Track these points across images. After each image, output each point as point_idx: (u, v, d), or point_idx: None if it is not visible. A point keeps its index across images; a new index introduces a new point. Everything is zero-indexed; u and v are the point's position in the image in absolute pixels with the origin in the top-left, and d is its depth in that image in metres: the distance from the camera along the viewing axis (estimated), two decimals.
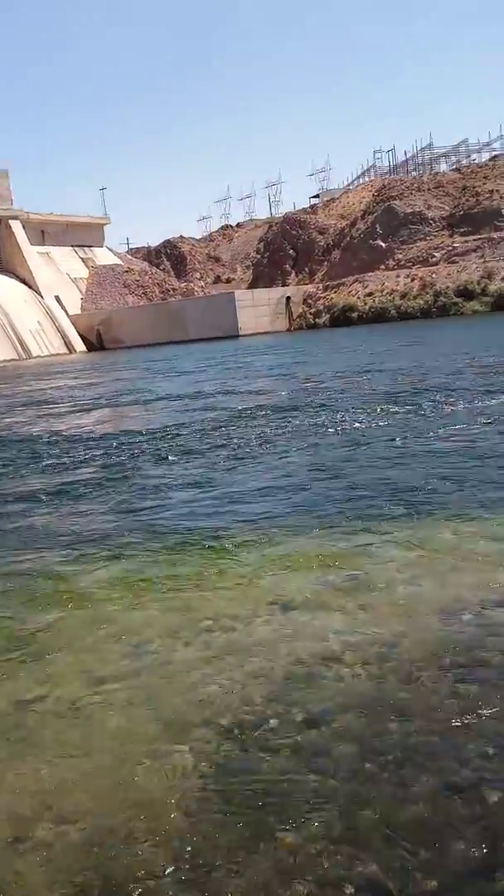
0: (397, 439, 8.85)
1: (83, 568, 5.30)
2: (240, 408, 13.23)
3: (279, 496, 6.81)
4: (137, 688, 3.51)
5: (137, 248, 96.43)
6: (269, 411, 12.38)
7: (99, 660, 3.82)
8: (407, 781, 2.67)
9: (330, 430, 9.99)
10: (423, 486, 6.58)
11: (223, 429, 11.08)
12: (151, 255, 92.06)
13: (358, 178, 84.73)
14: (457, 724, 2.98)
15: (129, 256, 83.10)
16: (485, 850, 2.32)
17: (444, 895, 2.18)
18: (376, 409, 11.21)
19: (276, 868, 2.31)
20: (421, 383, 14.00)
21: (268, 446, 9.30)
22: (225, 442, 9.92)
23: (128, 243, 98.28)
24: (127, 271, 72.54)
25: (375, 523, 5.61)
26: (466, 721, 2.99)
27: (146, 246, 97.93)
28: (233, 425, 11.33)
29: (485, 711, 3.04)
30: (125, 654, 3.87)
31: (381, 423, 10.03)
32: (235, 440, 9.97)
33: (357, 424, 10.14)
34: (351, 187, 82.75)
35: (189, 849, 2.42)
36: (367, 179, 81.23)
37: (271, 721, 3.13)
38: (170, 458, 9.20)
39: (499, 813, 2.48)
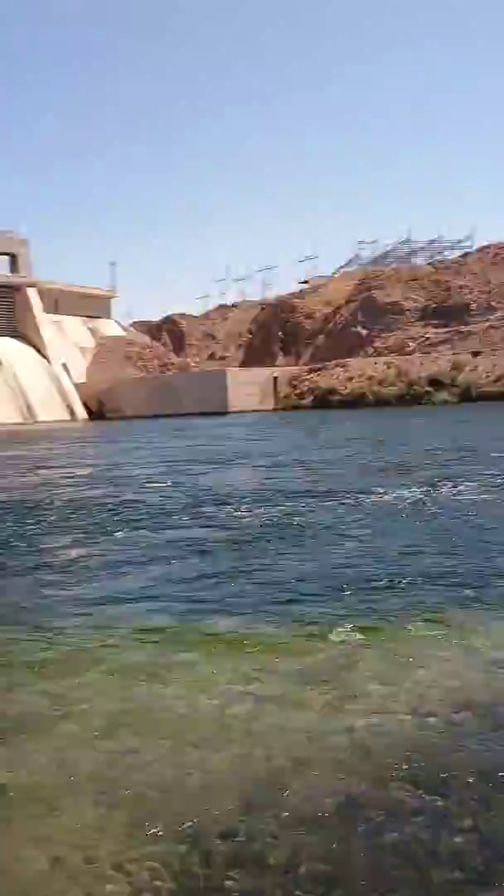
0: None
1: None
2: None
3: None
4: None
5: (141, 322, 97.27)
6: None
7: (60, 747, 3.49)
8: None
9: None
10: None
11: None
12: (153, 330, 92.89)
13: (342, 266, 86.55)
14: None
15: (133, 329, 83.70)
16: None
17: None
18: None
19: None
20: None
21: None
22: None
23: (131, 316, 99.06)
24: (129, 344, 72.97)
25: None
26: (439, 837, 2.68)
27: (148, 320, 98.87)
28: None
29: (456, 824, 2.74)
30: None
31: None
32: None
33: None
34: (336, 275, 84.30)
35: None
36: (352, 268, 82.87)
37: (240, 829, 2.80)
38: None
39: None
